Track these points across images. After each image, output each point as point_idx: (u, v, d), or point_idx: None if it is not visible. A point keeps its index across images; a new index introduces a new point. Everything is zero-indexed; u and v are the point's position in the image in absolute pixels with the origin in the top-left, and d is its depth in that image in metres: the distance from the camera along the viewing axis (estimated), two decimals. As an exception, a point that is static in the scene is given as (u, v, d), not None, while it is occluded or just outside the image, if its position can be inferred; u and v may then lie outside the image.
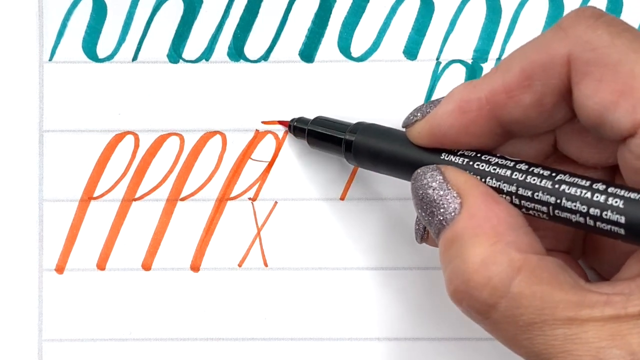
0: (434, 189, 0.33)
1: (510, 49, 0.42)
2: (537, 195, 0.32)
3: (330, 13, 0.42)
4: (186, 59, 0.42)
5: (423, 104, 0.35)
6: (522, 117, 0.33)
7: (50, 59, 0.43)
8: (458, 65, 0.42)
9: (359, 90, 0.42)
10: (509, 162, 0.33)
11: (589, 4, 0.42)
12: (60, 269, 0.42)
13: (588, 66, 0.31)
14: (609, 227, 0.30)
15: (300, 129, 0.41)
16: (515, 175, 0.33)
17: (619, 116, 0.30)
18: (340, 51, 0.42)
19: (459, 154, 0.34)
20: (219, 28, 0.43)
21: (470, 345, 0.41)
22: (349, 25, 0.42)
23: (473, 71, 0.42)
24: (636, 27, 0.42)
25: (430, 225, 0.33)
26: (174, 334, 0.42)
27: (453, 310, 0.41)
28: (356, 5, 0.42)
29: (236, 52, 0.42)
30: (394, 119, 0.42)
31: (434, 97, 0.42)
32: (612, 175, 0.34)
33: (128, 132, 0.42)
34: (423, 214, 0.33)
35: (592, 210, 0.31)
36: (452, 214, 0.32)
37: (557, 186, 0.32)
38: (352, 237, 0.42)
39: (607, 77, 0.31)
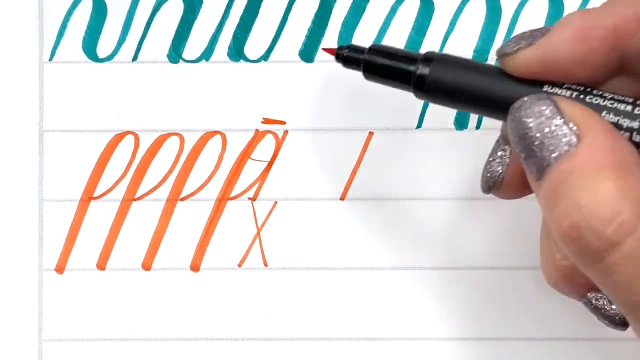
0: (547, 118, 0.29)
1: (510, 49, 0.42)
2: None
3: (330, 13, 0.42)
4: (186, 59, 0.42)
5: (528, 31, 0.31)
6: None
7: (51, 59, 0.43)
8: (458, 65, 0.42)
9: (359, 90, 0.42)
10: (627, 97, 0.30)
11: (589, 4, 0.42)
12: (60, 269, 0.42)
13: None
14: None
15: (353, 59, 0.36)
16: (638, 110, 0.30)
17: None
18: (340, 51, 0.42)
19: (564, 87, 0.31)
20: (219, 28, 0.43)
21: (471, 345, 0.41)
22: (349, 25, 0.42)
23: (473, 71, 0.42)
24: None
25: (536, 157, 0.29)
26: (174, 334, 0.42)
27: (453, 310, 0.41)
28: (356, 5, 0.42)
29: (236, 52, 0.42)
30: (393, 120, 0.42)
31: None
32: None
33: (128, 132, 0.42)
34: (528, 145, 0.30)
35: None
36: (567, 146, 0.29)
37: None
38: (352, 237, 0.42)
39: None
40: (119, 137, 0.42)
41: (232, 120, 0.42)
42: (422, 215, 0.42)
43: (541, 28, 0.32)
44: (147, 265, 0.42)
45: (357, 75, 0.42)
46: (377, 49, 0.35)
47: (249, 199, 0.42)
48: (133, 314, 0.42)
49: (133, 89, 0.42)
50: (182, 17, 0.43)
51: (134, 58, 0.43)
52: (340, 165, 0.42)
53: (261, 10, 0.42)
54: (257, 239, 0.42)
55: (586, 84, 0.31)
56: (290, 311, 0.42)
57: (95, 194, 0.42)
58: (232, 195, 0.42)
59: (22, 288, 0.42)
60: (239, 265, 0.42)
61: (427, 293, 0.42)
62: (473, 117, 0.42)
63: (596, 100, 0.30)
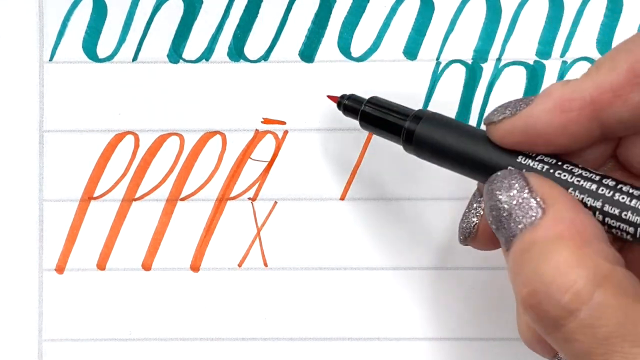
0: (516, 191, 0.31)
1: (510, 49, 0.42)
2: (625, 215, 0.31)
3: (330, 13, 0.42)
4: (186, 59, 0.42)
5: (513, 101, 0.33)
6: (629, 117, 0.31)
7: (51, 59, 0.43)
8: (458, 65, 0.42)
9: (359, 90, 0.42)
10: (594, 175, 0.32)
11: (589, 4, 0.42)
12: (60, 269, 0.42)
13: None
14: None
15: (352, 108, 0.38)
16: (602, 190, 0.31)
17: None
18: (340, 51, 0.42)
19: (537, 159, 0.32)
20: (219, 28, 0.43)
21: (471, 345, 0.41)
22: (349, 25, 0.42)
23: (473, 71, 0.42)
24: (636, 27, 0.42)
25: (504, 229, 0.31)
26: (174, 334, 0.42)
27: (453, 310, 0.41)
28: (356, 5, 0.42)
29: (236, 52, 0.42)
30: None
31: (434, 97, 0.42)
32: None
33: (128, 132, 0.42)
34: (497, 217, 0.31)
35: None
36: (533, 218, 0.31)
37: None
38: (352, 237, 0.42)
39: None
40: (119, 137, 0.42)
41: (232, 120, 0.42)
42: (422, 215, 0.42)
43: (525, 98, 0.33)
44: (147, 265, 0.42)
45: (357, 75, 0.42)
46: (373, 102, 0.37)
47: (249, 199, 0.42)
48: (133, 314, 0.42)
49: (133, 89, 0.42)
50: (182, 17, 0.43)
51: (134, 58, 0.43)
52: (340, 165, 0.42)
53: (261, 10, 0.42)
54: (257, 239, 0.42)
55: (561, 156, 0.32)
56: (290, 311, 0.42)
57: (96, 194, 0.42)
58: (232, 195, 0.42)
59: (22, 288, 0.42)
60: (239, 265, 0.42)
61: (427, 293, 0.42)
62: (473, 117, 0.42)
63: (564, 176, 0.32)
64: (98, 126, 0.42)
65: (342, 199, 0.42)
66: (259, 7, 0.42)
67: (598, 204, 0.31)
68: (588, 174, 0.32)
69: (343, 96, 0.39)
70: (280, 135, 0.42)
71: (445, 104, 0.42)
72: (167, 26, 0.43)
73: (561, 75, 0.42)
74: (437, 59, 0.42)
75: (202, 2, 0.42)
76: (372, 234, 0.42)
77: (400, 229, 0.42)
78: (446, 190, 0.42)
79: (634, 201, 0.31)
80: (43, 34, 0.43)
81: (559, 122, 0.32)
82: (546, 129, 0.32)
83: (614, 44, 0.42)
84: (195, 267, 0.42)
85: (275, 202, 0.42)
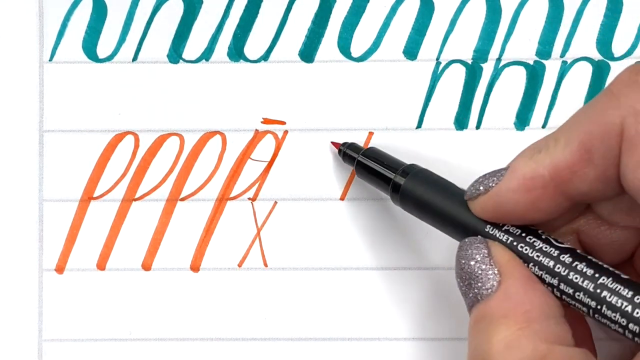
0: (476, 262, 0.33)
1: (510, 49, 0.42)
2: (578, 295, 0.31)
3: (330, 13, 0.42)
4: (186, 59, 0.42)
5: (485, 176, 0.34)
6: (588, 190, 0.32)
7: (51, 59, 0.43)
8: (458, 65, 0.42)
9: (359, 90, 0.42)
10: (554, 250, 0.32)
11: (589, 4, 0.42)
12: (60, 269, 0.42)
13: (637, 138, 0.30)
14: None
15: (350, 156, 0.40)
16: (559, 268, 0.32)
17: None
18: (340, 51, 0.42)
19: (503, 229, 0.34)
20: (219, 28, 0.43)
21: (470, 345, 0.41)
22: (349, 25, 0.42)
23: (473, 71, 0.42)
24: (636, 27, 0.42)
25: (466, 297, 0.33)
26: (174, 334, 0.42)
27: (453, 310, 0.41)
28: (356, 5, 0.42)
29: (236, 52, 0.42)
30: (393, 120, 0.42)
31: (434, 97, 0.42)
32: (638, 236, 0.34)
33: (128, 132, 0.42)
34: (461, 283, 0.33)
35: (631, 326, 0.30)
36: (489, 290, 0.32)
37: (598, 291, 0.31)
38: (352, 237, 0.42)
39: None
40: (119, 137, 0.42)
41: (232, 120, 0.42)
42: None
43: (496, 173, 0.34)
44: (147, 265, 0.42)
45: (357, 75, 0.42)
46: (369, 153, 0.40)
47: (249, 199, 0.42)
48: (133, 314, 0.42)
49: (133, 89, 0.42)
50: (182, 17, 0.43)
51: (134, 58, 0.43)
52: (340, 165, 0.42)
53: (261, 10, 0.42)
54: (257, 239, 0.42)
55: (534, 227, 0.33)
56: (290, 311, 0.42)
57: (95, 194, 0.42)
58: (232, 195, 0.42)
59: (22, 288, 0.42)
60: (239, 266, 0.42)
61: (427, 293, 0.42)
62: (473, 117, 0.42)
63: (526, 250, 0.33)
64: (98, 126, 0.42)
65: (342, 199, 0.42)
66: (259, 7, 0.42)
67: (555, 282, 0.32)
68: (548, 248, 0.33)
69: (344, 144, 0.41)
70: (280, 135, 0.42)
71: (445, 104, 0.42)
72: (167, 26, 0.43)
73: (561, 75, 0.42)
74: (437, 59, 0.42)
75: (202, 2, 0.42)
76: (372, 234, 0.42)
77: (400, 229, 0.42)
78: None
79: (586, 282, 0.31)
80: (43, 34, 0.43)
81: (525, 200, 0.33)
82: (515, 207, 0.33)
83: (614, 44, 0.42)
84: (195, 267, 0.42)
85: (275, 202, 0.42)
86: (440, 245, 0.42)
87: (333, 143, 0.41)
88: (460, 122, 0.42)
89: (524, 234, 0.33)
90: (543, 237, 0.33)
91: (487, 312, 0.32)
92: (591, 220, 0.35)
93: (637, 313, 0.30)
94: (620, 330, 0.31)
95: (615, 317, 0.31)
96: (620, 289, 0.31)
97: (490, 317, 0.31)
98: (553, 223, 0.34)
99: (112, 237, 0.42)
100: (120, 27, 0.43)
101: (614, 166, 0.31)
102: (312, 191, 0.42)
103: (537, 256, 0.33)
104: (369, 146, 0.41)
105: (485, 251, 0.33)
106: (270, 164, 0.42)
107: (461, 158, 0.42)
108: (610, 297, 0.31)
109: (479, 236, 0.34)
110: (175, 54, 0.42)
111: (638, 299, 0.30)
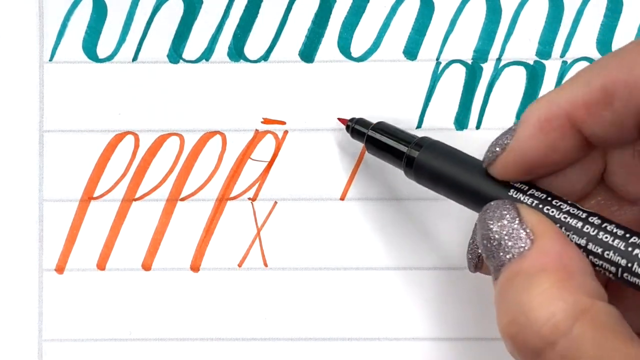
0: (507, 222, 0.32)
1: (510, 49, 0.42)
2: (608, 254, 0.31)
3: (330, 13, 0.42)
4: (186, 59, 0.42)
5: (498, 137, 0.34)
6: (602, 133, 0.32)
7: (51, 59, 0.43)
8: (458, 65, 0.42)
9: (359, 90, 0.42)
10: (581, 212, 0.32)
11: (589, 4, 0.42)
12: (60, 269, 0.42)
13: None
14: None
15: (359, 132, 0.40)
16: (587, 228, 0.32)
17: None
18: (340, 51, 0.42)
19: (528, 193, 0.33)
20: (219, 28, 0.43)
21: (471, 345, 0.41)
22: (349, 25, 0.42)
23: (473, 71, 0.42)
24: (636, 27, 0.42)
25: (493, 258, 0.32)
26: (174, 334, 0.42)
27: (453, 310, 0.41)
28: (356, 5, 0.42)
29: (236, 52, 0.42)
30: (394, 120, 0.42)
31: (434, 97, 0.42)
32: None
33: (128, 132, 0.42)
34: (488, 244, 0.32)
35: None
36: (522, 248, 0.31)
37: (630, 249, 0.31)
38: (352, 237, 0.42)
39: None
40: (119, 137, 0.42)
41: (232, 120, 0.42)
42: (422, 215, 0.42)
43: (509, 130, 0.33)
44: (147, 265, 0.42)
45: (357, 75, 0.42)
46: (379, 127, 0.39)
47: (249, 199, 0.42)
48: (133, 314, 0.42)
49: (133, 89, 0.42)
50: (182, 17, 0.43)
51: (134, 58, 0.43)
52: (340, 165, 0.42)
53: (261, 10, 0.42)
54: (257, 239, 0.42)
55: (548, 191, 0.33)
56: (290, 311, 0.42)
57: (95, 194, 0.42)
58: (232, 195, 0.42)
59: (22, 288, 0.42)
60: (239, 265, 0.42)
61: (427, 293, 0.42)
62: (473, 117, 0.42)
63: (552, 212, 0.33)
64: (98, 126, 0.42)
65: (342, 199, 0.42)
66: (259, 7, 0.42)
67: (582, 242, 0.32)
68: (575, 211, 0.32)
69: (352, 119, 0.40)
70: (280, 135, 0.42)
71: (445, 104, 0.42)
72: (167, 26, 0.43)
73: (561, 75, 0.42)
74: (437, 59, 0.42)
75: (202, 2, 0.42)
76: (372, 234, 0.42)
77: (400, 229, 0.42)
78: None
79: (616, 241, 0.31)
80: (43, 34, 0.43)
81: (545, 144, 0.32)
82: (536, 154, 0.33)
83: (614, 44, 0.42)
84: (195, 267, 0.42)
85: (275, 202, 0.42)
86: (440, 245, 0.42)
87: (340, 119, 0.41)
88: (460, 122, 0.42)
89: (549, 198, 0.33)
90: (569, 202, 0.33)
91: (523, 268, 0.31)
92: (602, 200, 0.34)
93: None
94: None
95: None
96: None
97: (527, 271, 0.31)
98: (571, 195, 0.34)
99: (112, 237, 0.42)
100: (120, 27, 0.43)
101: (634, 116, 0.31)
102: (312, 191, 0.42)
103: (565, 218, 0.32)
104: (378, 121, 0.40)
105: (515, 212, 0.32)
106: (270, 164, 0.42)
107: (461, 158, 0.42)
108: None
109: (505, 199, 0.33)
110: (175, 54, 0.42)
111: None
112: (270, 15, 0.42)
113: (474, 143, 0.42)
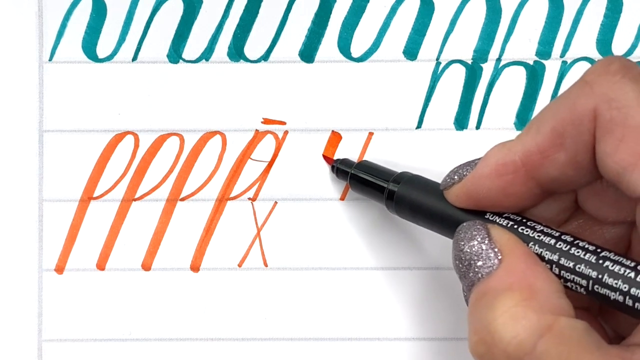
0: (477, 242, 0.33)
1: (510, 49, 0.42)
2: (579, 268, 0.32)
3: (330, 13, 0.42)
4: (186, 59, 0.42)
5: (460, 165, 0.35)
6: (559, 176, 0.33)
7: (50, 59, 0.43)
8: (458, 65, 0.42)
9: (359, 90, 0.42)
10: (554, 231, 0.33)
11: (589, 4, 0.42)
12: (60, 269, 0.42)
13: (611, 124, 0.31)
14: None
15: (343, 171, 0.41)
16: (559, 244, 0.33)
17: (636, 178, 0.31)
18: (340, 51, 0.42)
19: (504, 216, 0.34)
20: (219, 28, 0.43)
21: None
22: (349, 25, 0.42)
23: (473, 71, 0.42)
24: (636, 27, 0.42)
25: (465, 278, 0.33)
26: (174, 334, 0.42)
27: (453, 311, 0.41)
28: (356, 5, 0.42)
29: (236, 52, 0.42)
30: (393, 120, 0.42)
31: (434, 97, 0.42)
32: (629, 231, 0.35)
33: (128, 132, 0.42)
34: (460, 265, 0.33)
35: (633, 290, 0.31)
36: (490, 268, 0.32)
37: (600, 261, 0.31)
38: (352, 237, 0.42)
39: (629, 138, 0.31)
40: (119, 137, 0.42)
41: (232, 120, 0.42)
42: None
43: (470, 162, 0.35)
44: (147, 266, 0.42)
45: (357, 75, 0.42)
46: (361, 166, 0.40)
47: (249, 199, 0.42)
48: (133, 314, 0.42)
49: (133, 89, 0.42)
50: (182, 17, 0.43)
51: (134, 58, 0.43)
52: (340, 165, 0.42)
53: (261, 10, 0.42)
54: (257, 239, 0.42)
55: (519, 210, 0.34)
56: (290, 311, 0.42)
57: (95, 194, 0.42)
58: (232, 195, 0.42)
59: (22, 288, 0.42)
60: (239, 265, 0.42)
61: (427, 293, 0.42)
62: (473, 117, 0.42)
63: (527, 231, 0.33)
64: (98, 126, 0.42)
65: (342, 199, 0.42)
66: (259, 7, 0.42)
67: (555, 257, 0.33)
68: (549, 230, 0.33)
69: (336, 160, 0.41)
70: (280, 135, 0.42)
71: (445, 104, 0.42)
72: (167, 26, 0.43)
73: (561, 75, 0.42)
74: (437, 59, 0.42)
75: (202, 2, 0.42)
76: (372, 234, 0.42)
77: (400, 229, 0.42)
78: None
79: (587, 255, 0.32)
80: (43, 34, 0.43)
81: (497, 185, 0.34)
82: (488, 193, 0.34)
83: (614, 44, 0.42)
84: (195, 267, 0.42)
85: (276, 202, 0.42)
86: (439, 245, 0.42)
87: (325, 158, 0.42)
88: (460, 122, 0.42)
89: (524, 220, 0.34)
90: (543, 224, 0.34)
91: (490, 288, 0.32)
92: (582, 222, 0.35)
93: None
94: (621, 298, 0.31)
95: (616, 284, 0.31)
96: (622, 259, 0.31)
97: (494, 291, 0.32)
98: (549, 223, 0.35)
99: (112, 237, 0.42)
100: (120, 27, 0.43)
101: (585, 152, 0.32)
102: (312, 191, 0.42)
103: (538, 236, 0.33)
104: (362, 159, 0.41)
105: (485, 232, 0.33)
106: (271, 164, 0.42)
107: (461, 158, 0.42)
108: (612, 266, 0.31)
109: (477, 220, 0.34)
110: (175, 54, 0.42)
111: None
112: (270, 15, 0.42)
113: (473, 143, 0.42)
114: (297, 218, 0.42)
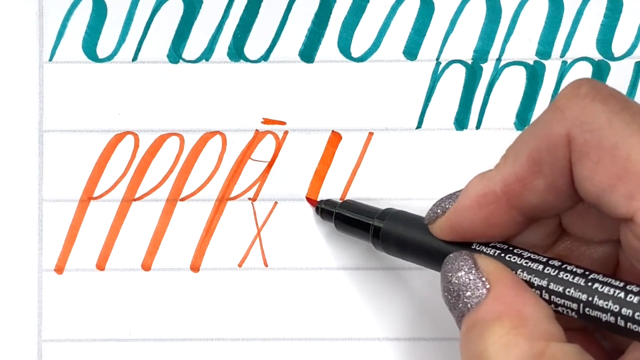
0: (464, 273, 0.33)
1: (510, 49, 0.42)
2: (569, 292, 0.32)
3: (330, 13, 0.42)
4: (186, 59, 0.42)
5: (442, 199, 0.35)
6: (540, 202, 0.33)
7: (50, 59, 0.43)
8: (458, 65, 0.42)
9: (359, 90, 0.42)
10: (542, 257, 0.33)
11: (589, 4, 0.42)
12: (59, 269, 0.42)
13: (586, 147, 0.31)
14: None
15: (327, 211, 0.41)
16: (548, 270, 0.33)
17: (616, 199, 0.31)
18: (340, 51, 0.42)
19: (490, 245, 0.34)
20: (219, 28, 0.43)
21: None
22: (349, 25, 0.42)
23: (473, 71, 0.42)
24: (636, 27, 0.42)
25: (454, 309, 0.33)
26: (173, 334, 0.42)
27: (453, 310, 0.41)
28: (356, 5, 0.42)
29: (236, 52, 0.42)
30: (393, 120, 0.42)
31: (434, 97, 0.42)
32: (617, 249, 0.35)
33: (128, 132, 0.42)
34: (449, 296, 0.33)
35: (624, 310, 0.31)
36: (479, 298, 0.32)
37: (590, 284, 0.32)
38: (352, 237, 0.42)
39: (604, 160, 0.31)
40: (119, 137, 0.42)
41: (232, 120, 0.42)
42: (422, 215, 0.42)
43: (452, 195, 0.35)
44: (147, 266, 0.42)
45: (357, 75, 0.42)
46: (345, 205, 0.40)
47: (249, 199, 0.42)
48: (133, 314, 0.42)
49: (133, 89, 0.42)
50: (182, 17, 0.43)
51: (134, 58, 0.43)
52: (340, 165, 0.42)
53: (261, 10, 0.42)
54: (257, 239, 0.42)
55: (505, 239, 0.34)
56: (290, 311, 0.42)
57: (95, 194, 0.42)
58: (232, 195, 0.42)
59: (21, 288, 0.42)
60: (239, 265, 0.42)
61: (427, 293, 0.42)
62: (473, 118, 0.42)
63: (514, 258, 0.34)
64: (98, 126, 0.42)
65: (341, 199, 0.42)
66: (259, 7, 0.42)
67: (544, 283, 0.33)
68: (536, 256, 0.33)
69: (320, 201, 0.41)
70: (280, 135, 0.42)
71: (445, 104, 0.42)
72: (167, 26, 0.43)
73: (561, 75, 0.42)
74: (437, 59, 0.42)
75: (202, 2, 0.42)
76: (372, 234, 0.42)
77: (400, 229, 0.42)
78: (446, 191, 0.42)
79: (576, 278, 0.32)
80: (43, 34, 0.43)
81: (480, 217, 0.34)
82: (471, 225, 0.34)
83: (614, 43, 0.42)
84: (195, 267, 0.42)
85: (276, 202, 0.42)
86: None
87: (308, 199, 0.42)
88: (460, 122, 0.42)
89: (511, 247, 0.34)
90: (530, 250, 0.34)
91: (480, 318, 0.32)
92: (570, 244, 0.35)
93: (630, 298, 0.31)
94: (612, 319, 0.31)
95: (607, 305, 0.31)
96: (611, 280, 0.31)
97: (483, 321, 0.32)
98: (536, 249, 0.35)
99: (112, 237, 0.42)
100: (120, 27, 0.43)
101: (563, 176, 0.32)
102: (312, 191, 0.42)
103: (526, 262, 0.33)
104: (345, 199, 0.41)
105: (472, 262, 0.33)
106: (271, 164, 0.42)
107: (461, 158, 0.42)
108: (601, 288, 0.31)
109: (463, 250, 0.34)
110: (175, 54, 0.42)
111: (630, 287, 0.31)
112: (270, 15, 0.42)
113: (473, 143, 0.42)
114: (297, 218, 0.42)
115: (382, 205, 0.42)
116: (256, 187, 0.42)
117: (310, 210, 0.42)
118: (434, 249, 0.35)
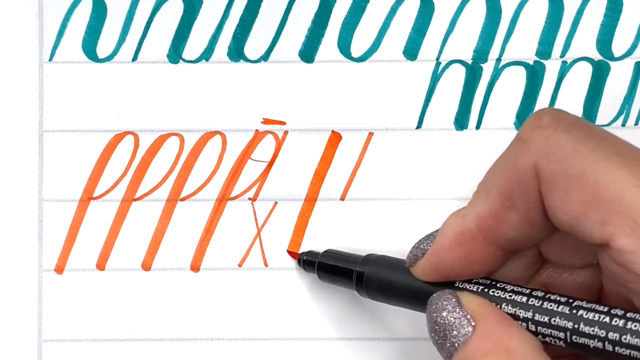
0: (448, 312, 0.33)
1: (510, 49, 0.42)
2: (554, 321, 0.32)
3: (330, 13, 0.42)
4: (186, 59, 0.42)
5: (420, 240, 0.35)
6: (517, 235, 0.33)
7: (50, 59, 0.43)
8: (458, 65, 0.42)
9: (359, 90, 0.42)
10: (525, 289, 0.33)
11: (589, 4, 0.42)
12: (59, 269, 0.42)
13: (554, 177, 0.31)
14: (628, 351, 0.30)
15: (310, 262, 0.41)
16: (532, 301, 0.33)
17: (590, 226, 0.31)
18: (340, 51, 0.42)
19: (473, 281, 0.34)
20: (219, 28, 0.43)
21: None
22: (349, 25, 0.42)
23: (473, 71, 0.42)
24: (636, 27, 0.42)
25: (442, 349, 0.33)
26: (173, 334, 0.42)
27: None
28: (356, 5, 0.42)
29: (236, 52, 0.42)
30: (393, 120, 0.42)
31: (434, 97, 0.42)
32: (599, 272, 0.34)
33: (128, 132, 0.42)
34: (436, 337, 0.33)
35: (610, 335, 0.31)
36: (465, 336, 0.32)
37: (574, 311, 0.32)
38: (352, 237, 0.42)
39: (574, 189, 0.31)
40: (119, 137, 0.42)
41: (232, 120, 0.42)
42: (422, 215, 0.42)
43: (430, 235, 0.35)
44: (147, 266, 0.42)
45: (357, 75, 0.42)
46: (327, 254, 0.40)
47: (249, 199, 0.42)
48: (133, 314, 0.42)
49: (133, 89, 0.42)
50: (182, 17, 0.43)
51: (134, 58, 0.43)
52: (340, 165, 0.42)
53: (261, 10, 0.42)
54: (257, 239, 0.42)
55: (487, 275, 0.34)
56: (290, 311, 0.42)
57: (95, 194, 0.42)
58: (232, 195, 0.42)
59: (21, 288, 0.42)
60: (239, 266, 0.42)
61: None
62: (473, 118, 0.42)
63: (498, 293, 0.34)
64: (98, 126, 0.42)
65: (342, 199, 0.42)
66: (259, 7, 0.42)
67: (529, 314, 0.33)
68: (519, 289, 0.33)
69: (302, 253, 0.41)
70: (280, 135, 0.42)
71: (445, 104, 0.42)
72: (167, 26, 0.43)
73: (561, 75, 0.42)
74: (437, 59, 0.42)
75: (202, 2, 0.42)
76: (372, 234, 0.42)
77: (401, 229, 0.42)
78: (446, 190, 0.42)
79: (561, 307, 0.32)
80: (43, 34, 0.43)
81: (459, 255, 0.34)
82: (452, 263, 0.34)
83: (614, 43, 0.42)
84: (195, 267, 0.42)
85: (276, 202, 0.42)
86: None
87: (290, 252, 0.42)
88: (460, 122, 0.42)
89: (494, 282, 0.34)
90: (513, 284, 0.34)
91: (468, 356, 0.32)
92: (552, 272, 0.35)
93: (616, 321, 0.31)
94: (600, 344, 0.31)
95: (593, 331, 0.31)
96: (595, 306, 0.32)
97: (472, 358, 0.32)
98: (519, 280, 0.35)
99: (112, 237, 0.42)
100: (120, 27, 0.43)
101: (536, 208, 0.32)
102: (312, 191, 0.42)
103: (510, 296, 0.33)
104: (327, 249, 0.41)
105: (455, 300, 0.33)
106: (271, 164, 0.42)
107: (461, 158, 0.42)
108: (586, 314, 0.31)
109: (446, 290, 0.34)
110: (175, 54, 0.42)
111: (614, 310, 0.31)
112: (270, 15, 0.42)
113: (473, 143, 0.42)
114: (297, 218, 0.42)
115: (382, 206, 0.42)
116: (256, 187, 0.42)
117: (309, 210, 0.42)
118: (417, 291, 0.36)
